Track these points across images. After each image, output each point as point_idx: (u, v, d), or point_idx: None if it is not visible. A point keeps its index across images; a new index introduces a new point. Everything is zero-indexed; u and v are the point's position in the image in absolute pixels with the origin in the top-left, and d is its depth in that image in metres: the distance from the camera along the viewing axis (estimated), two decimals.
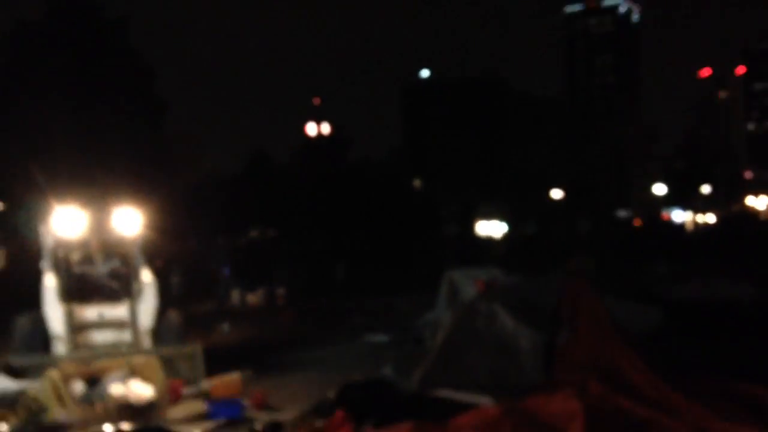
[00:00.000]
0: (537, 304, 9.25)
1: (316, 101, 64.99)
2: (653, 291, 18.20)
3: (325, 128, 38.60)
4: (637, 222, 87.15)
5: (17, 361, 9.56)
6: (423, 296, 17.85)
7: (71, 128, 31.31)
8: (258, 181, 40.37)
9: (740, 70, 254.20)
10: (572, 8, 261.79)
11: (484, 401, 7.54)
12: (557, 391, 7.20)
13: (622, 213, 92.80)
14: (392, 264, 34.63)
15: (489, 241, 56.99)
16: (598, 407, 6.92)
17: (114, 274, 11.10)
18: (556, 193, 73.76)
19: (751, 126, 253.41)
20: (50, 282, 10.45)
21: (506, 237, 61.74)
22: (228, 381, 9.44)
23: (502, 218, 66.63)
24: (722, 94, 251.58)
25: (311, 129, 38.18)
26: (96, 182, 30.83)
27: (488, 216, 63.98)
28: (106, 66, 33.57)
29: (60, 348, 10.10)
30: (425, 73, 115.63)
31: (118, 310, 10.69)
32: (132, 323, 10.53)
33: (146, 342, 10.59)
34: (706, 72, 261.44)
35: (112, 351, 10.05)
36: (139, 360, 9.38)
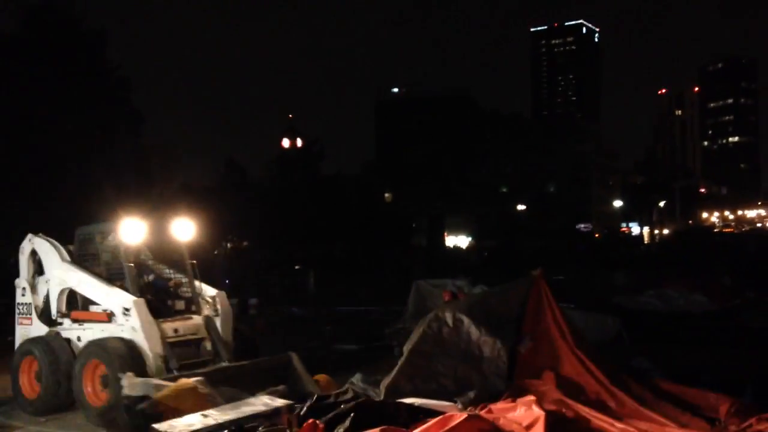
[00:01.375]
0: (500, 313, 9.35)
1: (291, 116, 66.08)
2: (612, 301, 18.70)
3: (299, 142, 39.45)
4: (597, 235, 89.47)
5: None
6: (392, 306, 17.99)
7: (48, 139, 31.46)
8: (232, 193, 40.79)
9: (695, 89, 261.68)
10: (537, 28, 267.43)
11: (450, 408, 7.62)
12: (519, 399, 7.40)
13: (583, 226, 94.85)
14: (363, 274, 35.24)
15: (456, 253, 58.03)
16: (557, 414, 7.16)
17: (177, 287, 10.53)
18: (520, 207, 75.39)
19: (705, 143, 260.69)
20: (133, 300, 9.47)
21: (472, 249, 63.00)
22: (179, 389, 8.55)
23: (468, 231, 68.07)
24: (678, 113, 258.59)
25: (285, 142, 38.97)
26: (74, 192, 31.23)
27: (456, 228, 65.31)
28: (82, 78, 33.69)
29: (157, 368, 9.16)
30: (396, 90, 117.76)
31: (191, 324, 9.98)
32: (215, 337, 9.84)
33: (227, 355, 9.77)
34: (663, 91, 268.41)
35: (213, 367, 9.33)
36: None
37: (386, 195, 60.95)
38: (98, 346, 9.37)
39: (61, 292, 10.43)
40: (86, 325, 10.00)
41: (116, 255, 10.32)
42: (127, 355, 9.00)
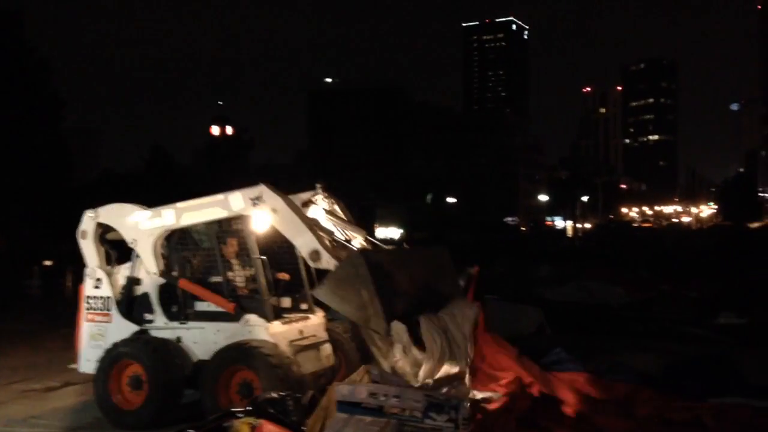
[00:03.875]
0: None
1: (221, 103, 64.75)
2: (535, 293, 19.02)
3: (229, 130, 38.65)
4: (524, 228, 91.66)
5: None
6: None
7: None
8: (159, 179, 39.64)
9: (618, 88, 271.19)
10: (468, 23, 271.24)
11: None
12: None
13: (510, 219, 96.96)
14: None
15: (387, 244, 58.24)
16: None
17: (282, 281, 9.20)
18: (450, 200, 76.43)
19: (627, 140, 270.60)
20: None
21: (403, 241, 63.40)
22: None
23: (400, 222, 68.48)
24: (602, 110, 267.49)
25: (215, 129, 38.12)
26: None
27: (387, 220, 65.57)
28: None
29: None
30: (329, 80, 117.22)
31: (312, 325, 8.95)
32: (342, 340, 8.99)
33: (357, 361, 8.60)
34: (588, 89, 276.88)
35: None
36: None
37: (318, 185, 60.49)
38: (239, 350, 8.06)
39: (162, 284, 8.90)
40: (190, 324, 8.62)
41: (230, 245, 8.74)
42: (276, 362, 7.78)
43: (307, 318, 8.95)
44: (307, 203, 8.94)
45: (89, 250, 9.48)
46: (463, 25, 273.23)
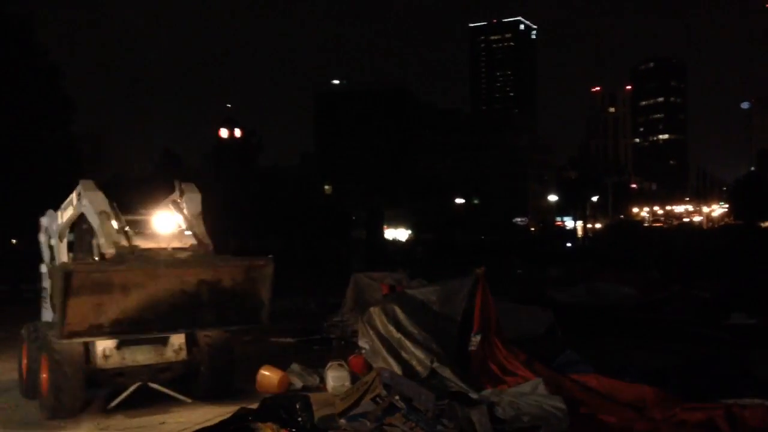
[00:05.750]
0: (443, 313, 9.60)
1: (229, 106, 65.25)
2: (545, 294, 19.09)
3: (237, 132, 38.87)
4: (533, 229, 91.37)
5: None
6: (331, 298, 17.80)
7: None
8: (168, 182, 39.49)
9: (628, 88, 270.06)
10: (476, 24, 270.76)
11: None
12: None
13: (519, 220, 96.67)
14: (301, 266, 35.08)
15: (395, 246, 58.31)
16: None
17: None
18: (458, 201, 76.27)
19: (636, 140, 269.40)
20: None
21: (411, 242, 63.40)
22: None
23: (407, 224, 68.50)
24: (612, 110, 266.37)
25: (223, 133, 38.32)
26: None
27: (395, 221, 65.58)
28: (9, 64, 32.33)
29: None
30: (337, 81, 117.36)
31: None
32: None
33: None
34: (597, 89, 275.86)
35: None
36: None
37: (326, 187, 60.72)
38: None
39: None
40: None
41: None
42: None
43: None
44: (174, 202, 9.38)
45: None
46: (471, 25, 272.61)
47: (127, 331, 8.10)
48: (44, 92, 33.83)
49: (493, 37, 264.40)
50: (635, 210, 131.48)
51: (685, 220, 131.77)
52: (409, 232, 69.18)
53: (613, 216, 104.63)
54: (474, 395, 7.84)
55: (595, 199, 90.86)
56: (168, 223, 9.27)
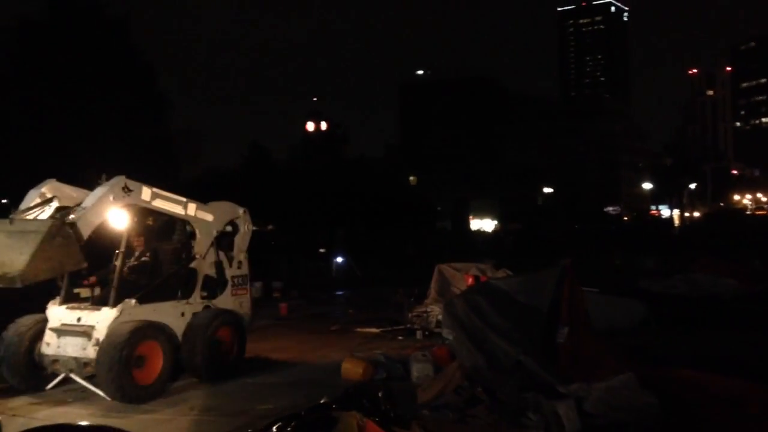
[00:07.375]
0: (530, 306, 9.42)
1: (315, 98, 66.67)
2: (639, 285, 18.49)
3: (324, 125, 39.38)
4: (626, 218, 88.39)
5: None
6: (416, 289, 17.78)
7: (73, 124, 31.77)
8: (257, 176, 40.86)
9: (728, 69, 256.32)
10: (564, 7, 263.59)
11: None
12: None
13: (611, 209, 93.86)
14: (387, 257, 35.25)
15: (481, 236, 57.81)
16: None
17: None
18: (547, 190, 74.76)
19: (737, 124, 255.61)
20: None
21: (497, 232, 62.64)
22: None
23: (494, 214, 67.70)
24: (710, 93, 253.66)
25: (310, 125, 38.92)
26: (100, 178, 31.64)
27: (481, 212, 64.97)
28: (106, 64, 33.91)
29: None
30: (420, 72, 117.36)
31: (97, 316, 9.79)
32: None
33: None
34: (694, 71, 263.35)
35: None
36: None
37: (411, 178, 60.77)
38: None
39: None
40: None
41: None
42: None
43: (97, 309, 9.46)
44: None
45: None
46: (559, 9, 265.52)
47: None
48: (141, 91, 35.41)
49: (582, 21, 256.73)
50: (736, 197, 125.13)
51: None
52: (496, 222, 68.33)
53: (712, 204, 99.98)
54: (561, 388, 7.60)
55: (692, 186, 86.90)
56: None
